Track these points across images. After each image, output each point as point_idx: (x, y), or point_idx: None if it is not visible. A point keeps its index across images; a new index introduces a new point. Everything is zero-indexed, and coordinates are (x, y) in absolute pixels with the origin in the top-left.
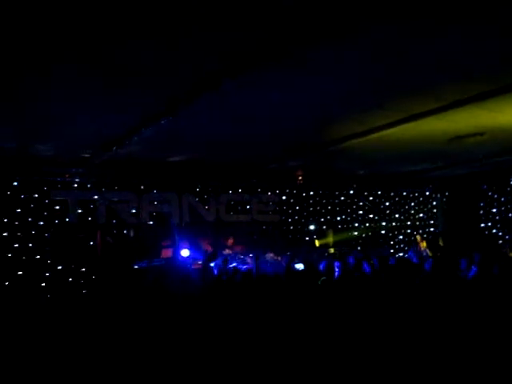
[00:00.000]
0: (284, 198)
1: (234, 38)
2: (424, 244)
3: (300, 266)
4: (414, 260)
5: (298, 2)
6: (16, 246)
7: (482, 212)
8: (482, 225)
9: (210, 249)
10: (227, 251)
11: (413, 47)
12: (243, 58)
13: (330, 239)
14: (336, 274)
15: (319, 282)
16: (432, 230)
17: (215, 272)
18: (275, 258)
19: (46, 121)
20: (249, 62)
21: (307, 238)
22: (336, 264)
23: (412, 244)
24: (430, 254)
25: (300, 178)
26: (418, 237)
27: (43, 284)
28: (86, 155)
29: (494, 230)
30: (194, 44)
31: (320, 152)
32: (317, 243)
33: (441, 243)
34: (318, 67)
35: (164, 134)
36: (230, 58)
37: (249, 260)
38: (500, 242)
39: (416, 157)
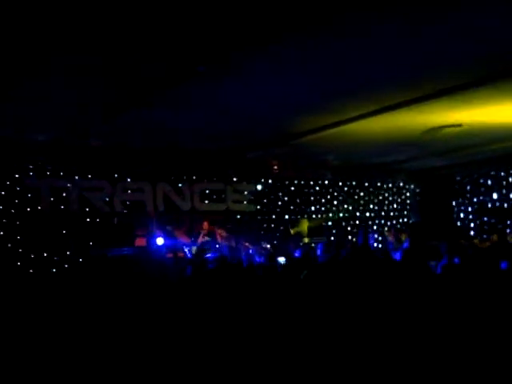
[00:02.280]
0: (259, 187)
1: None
2: (391, 236)
3: (282, 260)
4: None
5: None
6: None
7: (454, 203)
8: (455, 216)
9: (185, 238)
10: (203, 238)
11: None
12: (217, 48)
13: (305, 229)
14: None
15: (301, 277)
16: (406, 220)
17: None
18: (248, 246)
19: (19, 104)
20: (221, 52)
21: (282, 228)
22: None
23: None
24: (398, 242)
25: (275, 167)
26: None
27: (15, 273)
28: (59, 142)
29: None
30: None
31: (295, 142)
32: (292, 232)
33: (406, 236)
34: (288, 59)
35: (138, 123)
36: (204, 47)
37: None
38: (471, 232)
39: (390, 148)
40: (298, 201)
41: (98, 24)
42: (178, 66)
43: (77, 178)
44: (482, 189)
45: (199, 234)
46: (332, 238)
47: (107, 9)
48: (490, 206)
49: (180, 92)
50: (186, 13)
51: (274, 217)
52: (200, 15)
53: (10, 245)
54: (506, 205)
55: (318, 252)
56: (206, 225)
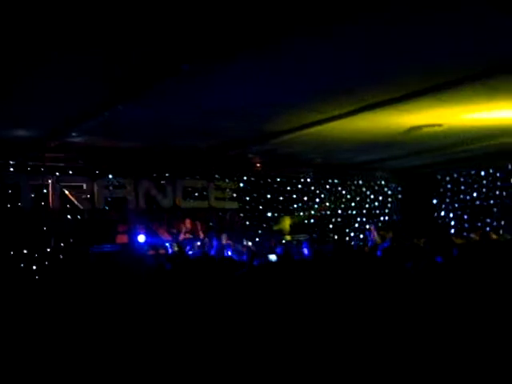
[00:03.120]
0: (242, 185)
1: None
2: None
3: (273, 257)
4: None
5: None
6: None
7: (435, 201)
8: (435, 214)
9: (166, 235)
10: (184, 236)
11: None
12: (201, 48)
13: (287, 226)
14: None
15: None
16: (386, 218)
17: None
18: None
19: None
20: (205, 53)
21: (264, 225)
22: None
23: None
24: (378, 241)
25: (258, 165)
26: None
27: None
28: (40, 138)
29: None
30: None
31: (276, 140)
32: (274, 229)
33: (390, 234)
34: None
35: (119, 120)
36: (189, 47)
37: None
38: (452, 230)
39: (372, 147)
40: (280, 198)
41: (84, 20)
42: (162, 63)
43: (57, 174)
44: (463, 187)
45: (180, 231)
46: (314, 236)
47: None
48: (469, 204)
49: (163, 89)
50: (171, 13)
51: (256, 214)
52: (187, 16)
53: None
54: (485, 203)
55: (305, 249)
56: (188, 222)
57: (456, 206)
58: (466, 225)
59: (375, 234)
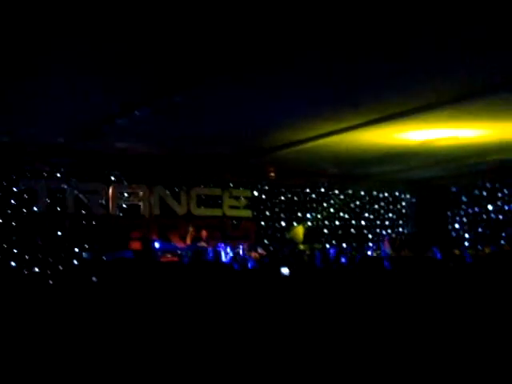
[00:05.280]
0: (256, 193)
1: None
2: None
3: (285, 271)
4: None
5: None
6: None
7: (450, 214)
8: (450, 227)
9: (180, 242)
10: (202, 243)
11: None
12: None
13: (300, 235)
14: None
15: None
16: (400, 230)
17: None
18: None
19: (17, 105)
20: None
21: (278, 234)
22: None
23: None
24: (392, 253)
25: (272, 174)
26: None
27: (8, 273)
28: (56, 144)
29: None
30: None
31: (291, 150)
32: (287, 237)
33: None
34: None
35: (138, 125)
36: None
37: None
38: (466, 243)
39: (387, 158)
40: (294, 207)
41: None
42: (177, 75)
43: (73, 179)
44: (477, 200)
45: (198, 239)
46: (327, 246)
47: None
48: (484, 217)
49: (179, 100)
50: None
51: (270, 223)
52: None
53: (4, 245)
54: (500, 216)
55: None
56: (204, 234)
57: (470, 218)
58: (480, 238)
59: (388, 245)
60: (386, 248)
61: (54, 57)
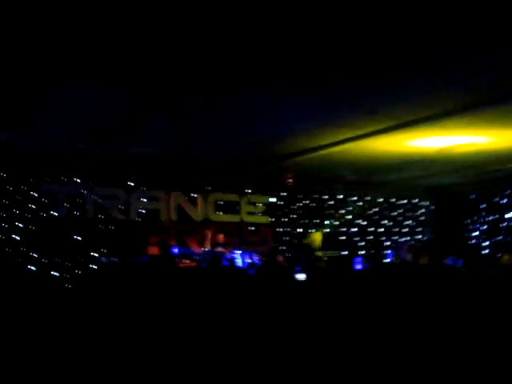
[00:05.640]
0: (274, 199)
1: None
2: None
3: (301, 276)
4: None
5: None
6: (1, 237)
7: (468, 221)
8: (468, 234)
9: (197, 247)
10: (220, 249)
11: None
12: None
13: (317, 241)
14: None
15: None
16: (419, 237)
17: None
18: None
19: (36, 111)
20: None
21: (295, 241)
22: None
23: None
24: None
25: (290, 180)
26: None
27: (27, 277)
28: (75, 149)
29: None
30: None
31: (308, 156)
32: (304, 244)
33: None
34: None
35: (156, 132)
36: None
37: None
38: (484, 252)
39: (405, 164)
40: (311, 214)
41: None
42: (192, 82)
43: (92, 184)
44: (496, 207)
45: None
46: (346, 253)
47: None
48: (504, 225)
49: (195, 105)
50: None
51: (287, 229)
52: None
53: (23, 249)
54: None
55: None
56: (221, 238)
57: (490, 226)
58: (499, 245)
59: (407, 251)
60: (406, 255)
61: (75, 65)
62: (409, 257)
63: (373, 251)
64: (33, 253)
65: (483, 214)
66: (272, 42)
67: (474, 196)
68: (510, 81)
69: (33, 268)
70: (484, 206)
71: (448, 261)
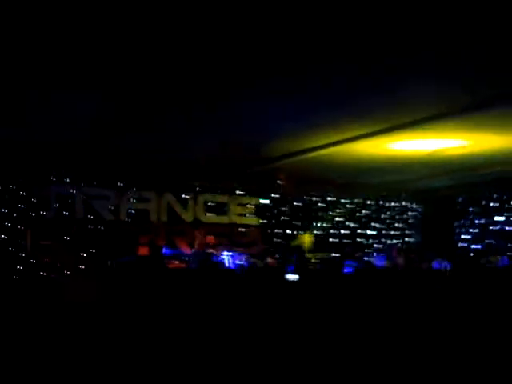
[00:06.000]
0: (264, 201)
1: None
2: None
3: (294, 277)
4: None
5: None
6: None
7: (456, 224)
8: (456, 237)
9: (187, 248)
10: (210, 250)
11: None
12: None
13: (306, 243)
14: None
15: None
16: (406, 240)
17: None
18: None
19: (34, 111)
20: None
21: (284, 242)
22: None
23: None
24: (400, 262)
25: (280, 182)
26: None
27: (15, 277)
28: (67, 149)
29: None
30: None
31: (298, 158)
32: (292, 245)
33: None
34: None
35: (146, 136)
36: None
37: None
38: (471, 254)
39: (395, 168)
40: (300, 216)
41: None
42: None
43: (82, 184)
44: (484, 210)
45: (198, 243)
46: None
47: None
48: (491, 228)
49: (185, 112)
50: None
51: (275, 231)
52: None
53: (12, 249)
54: (507, 228)
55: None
56: (211, 240)
57: (477, 230)
58: (486, 249)
59: (396, 254)
60: (396, 258)
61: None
62: (400, 260)
63: (361, 254)
64: (21, 253)
65: (471, 217)
66: (258, 44)
67: (461, 199)
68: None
69: (20, 268)
70: (472, 209)
71: (434, 264)
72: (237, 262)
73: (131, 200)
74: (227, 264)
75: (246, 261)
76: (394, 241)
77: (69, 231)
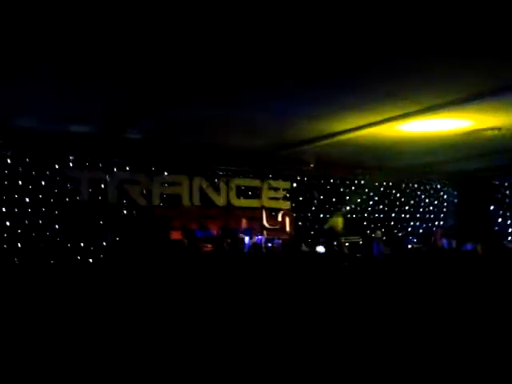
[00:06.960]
0: (295, 185)
1: None
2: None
3: (321, 249)
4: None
5: None
6: (26, 222)
7: (492, 207)
8: (492, 221)
9: (219, 231)
10: (241, 234)
11: None
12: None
13: (339, 225)
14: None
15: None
16: (441, 223)
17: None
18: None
19: (60, 97)
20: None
21: (317, 226)
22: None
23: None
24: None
25: (311, 165)
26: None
27: (52, 261)
28: (98, 134)
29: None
30: None
31: (330, 141)
32: (325, 227)
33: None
34: None
35: (177, 119)
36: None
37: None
38: (509, 238)
39: (428, 150)
40: (333, 199)
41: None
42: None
43: (115, 169)
44: None
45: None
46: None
47: None
48: None
49: (218, 93)
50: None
51: (308, 214)
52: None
53: (48, 233)
54: None
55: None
56: (244, 223)
57: None
58: None
59: (439, 237)
60: (440, 239)
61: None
62: (444, 241)
63: (394, 237)
64: (57, 237)
65: (508, 200)
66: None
67: (497, 182)
68: None
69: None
70: (508, 192)
71: (467, 246)
72: (269, 244)
73: (164, 184)
74: (259, 247)
75: (277, 243)
76: (429, 224)
77: (102, 215)
